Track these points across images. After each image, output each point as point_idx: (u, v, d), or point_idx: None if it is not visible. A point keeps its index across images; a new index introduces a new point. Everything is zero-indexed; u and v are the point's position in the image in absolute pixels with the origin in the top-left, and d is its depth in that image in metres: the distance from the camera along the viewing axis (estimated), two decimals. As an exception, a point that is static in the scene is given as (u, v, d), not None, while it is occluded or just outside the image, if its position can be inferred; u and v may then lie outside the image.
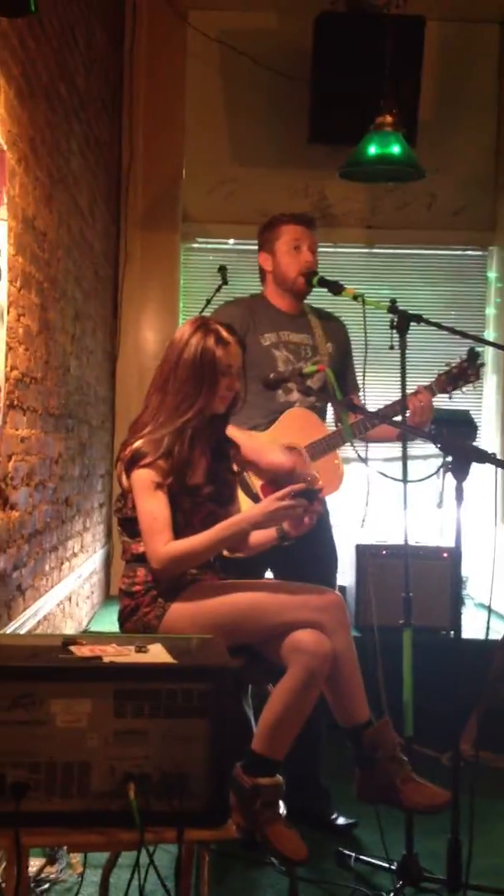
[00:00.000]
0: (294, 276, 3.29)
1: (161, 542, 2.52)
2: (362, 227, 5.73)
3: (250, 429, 3.12)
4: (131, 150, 5.52)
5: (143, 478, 2.56)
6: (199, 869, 2.53)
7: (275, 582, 2.88)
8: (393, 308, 2.90)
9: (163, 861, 2.09)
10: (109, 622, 4.49)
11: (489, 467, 2.49)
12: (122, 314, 5.56)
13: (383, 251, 5.80)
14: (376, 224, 5.74)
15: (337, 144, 5.10)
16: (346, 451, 3.26)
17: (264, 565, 3.10)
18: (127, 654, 1.93)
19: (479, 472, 2.54)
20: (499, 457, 2.54)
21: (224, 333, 2.67)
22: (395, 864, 2.76)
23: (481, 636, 3.65)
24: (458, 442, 2.50)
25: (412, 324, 2.88)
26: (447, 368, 3.28)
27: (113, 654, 1.92)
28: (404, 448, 2.85)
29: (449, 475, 2.47)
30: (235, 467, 2.83)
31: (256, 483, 3.09)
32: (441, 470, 2.62)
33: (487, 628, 3.07)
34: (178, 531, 2.56)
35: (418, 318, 2.89)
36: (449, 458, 2.47)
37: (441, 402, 3.34)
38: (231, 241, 5.69)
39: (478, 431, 4.46)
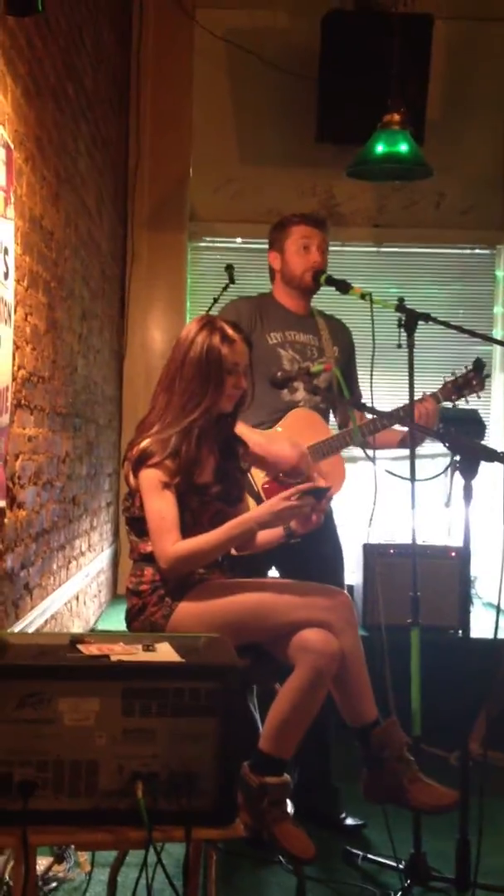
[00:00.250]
0: (301, 273, 3.29)
1: (169, 542, 2.52)
2: (370, 226, 5.72)
3: (254, 426, 3.12)
4: (138, 150, 5.52)
5: (151, 478, 2.56)
6: (207, 868, 2.53)
7: (282, 581, 2.88)
8: (401, 307, 2.90)
9: (170, 860, 2.08)
10: (117, 621, 4.48)
11: (498, 466, 2.48)
12: (129, 313, 5.56)
13: (391, 250, 5.79)
14: (384, 223, 5.73)
15: (344, 143, 5.09)
16: (354, 449, 3.25)
17: (269, 562, 3.10)
18: (135, 653, 1.92)
19: (488, 471, 2.53)
20: (507, 455, 2.53)
21: (229, 331, 2.66)
22: (404, 863, 2.76)
23: (490, 636, 3.65)
24: (466, 441, 2.49)
25: (420, 323, 2.87)
26: (453, 377, 3.27)
27: (121, 652, 1.92)
28: (412, 447, 2.84)
29: (457, 474, 2.46)
30: (244, 465, 2.83)
31: (259, 481, 3.09)
32: (449, 469, 2.62)
33: (496, 628, 3.07)
34: (187, 530, 2.56)
35: (426, 317, 2.88)
36: (457, 457, 2.46)
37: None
38: (238, 240, 5.68)
39: (486, 430, 4.44)
